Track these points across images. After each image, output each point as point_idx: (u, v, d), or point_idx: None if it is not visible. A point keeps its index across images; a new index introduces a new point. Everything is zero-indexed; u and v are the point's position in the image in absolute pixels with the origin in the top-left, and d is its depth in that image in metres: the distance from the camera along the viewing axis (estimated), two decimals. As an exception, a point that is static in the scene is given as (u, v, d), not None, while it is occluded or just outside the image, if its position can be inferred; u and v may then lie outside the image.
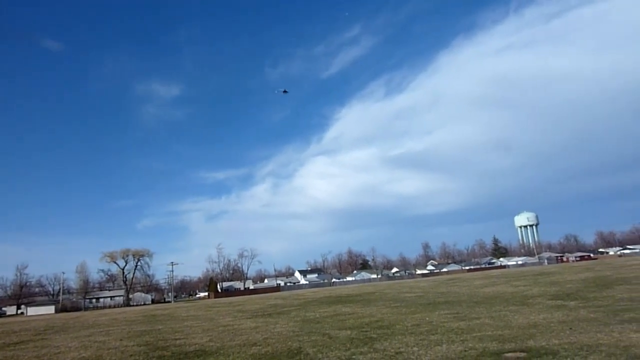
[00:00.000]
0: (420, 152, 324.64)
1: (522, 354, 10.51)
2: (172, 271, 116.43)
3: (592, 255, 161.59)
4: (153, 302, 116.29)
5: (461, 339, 13.53)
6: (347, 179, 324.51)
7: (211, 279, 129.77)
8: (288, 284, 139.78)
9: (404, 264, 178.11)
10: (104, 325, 35.10)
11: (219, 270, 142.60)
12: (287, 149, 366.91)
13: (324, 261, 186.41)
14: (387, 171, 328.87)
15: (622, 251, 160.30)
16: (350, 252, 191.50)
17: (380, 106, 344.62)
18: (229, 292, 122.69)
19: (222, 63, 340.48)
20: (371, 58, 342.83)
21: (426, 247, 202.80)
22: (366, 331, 17.28)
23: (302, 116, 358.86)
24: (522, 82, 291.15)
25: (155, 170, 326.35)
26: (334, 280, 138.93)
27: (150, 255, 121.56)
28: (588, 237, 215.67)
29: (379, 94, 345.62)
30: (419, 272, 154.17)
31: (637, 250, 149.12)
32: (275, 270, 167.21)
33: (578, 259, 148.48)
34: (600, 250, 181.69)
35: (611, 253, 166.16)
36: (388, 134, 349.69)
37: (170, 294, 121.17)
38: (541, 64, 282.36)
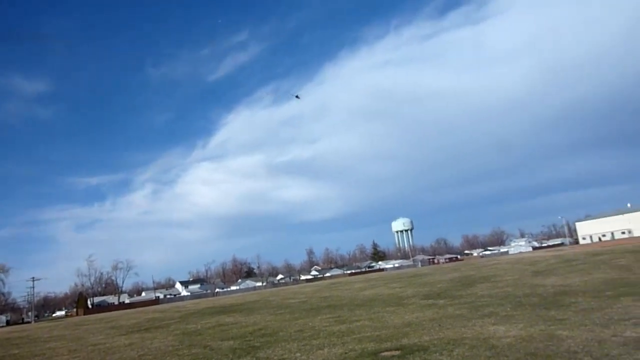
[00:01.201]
0: (306, 159, 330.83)
1: (397, 352, 11.05)
2: (33, 287, 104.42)
3: (459, 257, 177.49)
4: (9, 323, 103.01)
5: (342, 341, 13.87)
6: (232, 186, 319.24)
7: (80, 294, 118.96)
8: (168, 296, 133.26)
9: (289, 270, 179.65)
10: (-57, 353, 30.24)
11: (89, 285, 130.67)
12: (169, 153, 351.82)
13: (207, 271, 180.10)
14: (273, 178, 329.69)
15: (483, 252, 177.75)
16: (234, 260, 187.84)
17: (268, 113, 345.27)
18: (101, 308, 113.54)
19: (97, 59, 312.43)
20: (259, 64, 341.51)
21: (310, 252, 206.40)
22: (249, 340, 17.01)
23: (186, 120, 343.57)
24: (400, 96, 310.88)
25: (14, 174, 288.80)
26: (217, 290, 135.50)
27: (5, 271, 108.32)
28: (456, 240, 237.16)
29: (266, 101, 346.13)
30: (303, 277, 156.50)
31: (496, 251, 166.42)
32: (154, 282, 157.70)
33: (447, 260, 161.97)
34: (466, 252, 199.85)
35: (475, 254, 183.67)
36: (275, 141, 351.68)
37: (30, 313, 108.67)
38: (416, 81, 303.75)
